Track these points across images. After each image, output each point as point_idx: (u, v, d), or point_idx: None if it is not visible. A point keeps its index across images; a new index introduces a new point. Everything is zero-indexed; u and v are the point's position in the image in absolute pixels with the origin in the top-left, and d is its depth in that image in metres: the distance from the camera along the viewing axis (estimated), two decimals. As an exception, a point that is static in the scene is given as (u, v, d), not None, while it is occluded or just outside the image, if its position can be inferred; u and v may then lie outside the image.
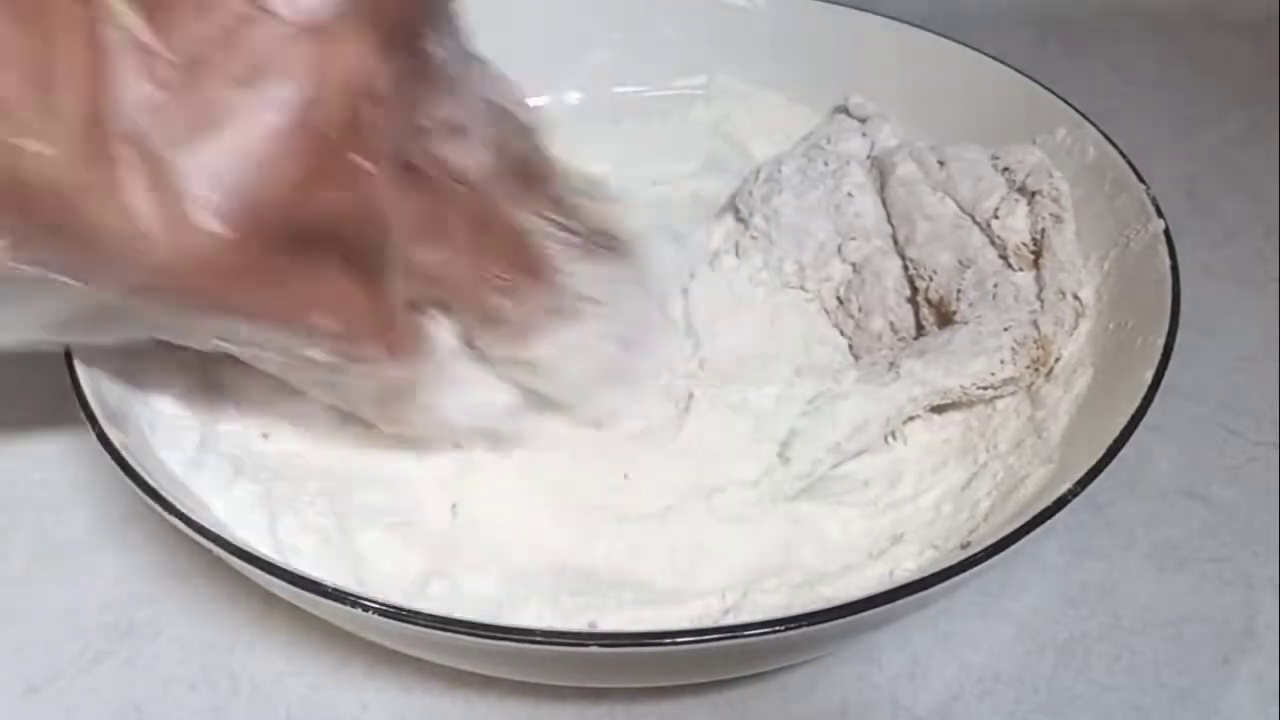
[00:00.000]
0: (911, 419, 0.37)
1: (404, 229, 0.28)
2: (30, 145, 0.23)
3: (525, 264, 0.32)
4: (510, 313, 0.32)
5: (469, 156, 0.30)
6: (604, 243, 0.34)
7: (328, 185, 0.26)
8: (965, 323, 0.37)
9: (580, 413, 0.36)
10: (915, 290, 0.40)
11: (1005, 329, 0.36)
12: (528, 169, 0.32)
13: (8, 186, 0.24)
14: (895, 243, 0.41)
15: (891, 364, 0.37)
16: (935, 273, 0.39)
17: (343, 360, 0.29)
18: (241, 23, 0.24)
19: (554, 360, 0.34)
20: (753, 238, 0.43)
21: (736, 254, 0.43)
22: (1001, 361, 0.36)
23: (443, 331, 0.33)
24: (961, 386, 0.36)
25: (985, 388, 0.36)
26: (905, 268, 0.40)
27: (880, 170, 0.43)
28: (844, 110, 0.47)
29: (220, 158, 0.24)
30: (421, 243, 0.30)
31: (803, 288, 0.42)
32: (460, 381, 0.33)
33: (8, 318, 0.28)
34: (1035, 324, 0.36)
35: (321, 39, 0.25)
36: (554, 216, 0.33)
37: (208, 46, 0.24)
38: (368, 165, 0.26)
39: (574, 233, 0.33)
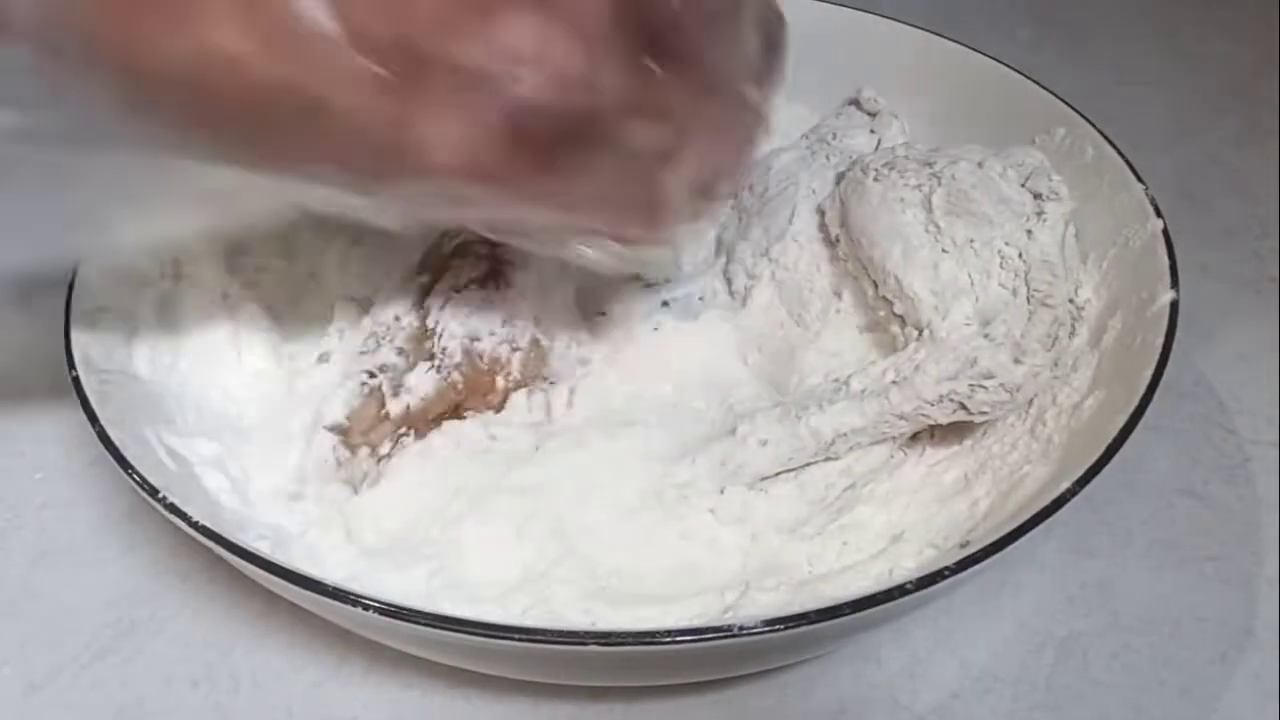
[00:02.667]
0: (921, 439, 0.37)
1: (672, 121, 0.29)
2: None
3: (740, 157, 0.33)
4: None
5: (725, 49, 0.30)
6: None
7: (608, 78, 0.26)
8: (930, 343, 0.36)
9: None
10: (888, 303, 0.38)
11: (954, 375, 0.34)
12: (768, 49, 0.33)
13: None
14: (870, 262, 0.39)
15: (870, 389, 0.36)
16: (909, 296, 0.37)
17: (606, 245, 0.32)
18: None
19: None
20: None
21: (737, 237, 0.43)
22: (963, 405, 0.35)
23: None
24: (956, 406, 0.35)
25: (975, 412, 0.35)
26: (875, 285, 0.39)
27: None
28: (855, 103, 0.47)
29: (500, 62, 0.25)
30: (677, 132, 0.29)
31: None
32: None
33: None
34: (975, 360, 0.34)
35: None
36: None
37: None
38: (650, 64, 0.27)
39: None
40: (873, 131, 0.46)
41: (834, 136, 0.45)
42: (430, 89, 0.25)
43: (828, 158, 0.44)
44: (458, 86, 0.25)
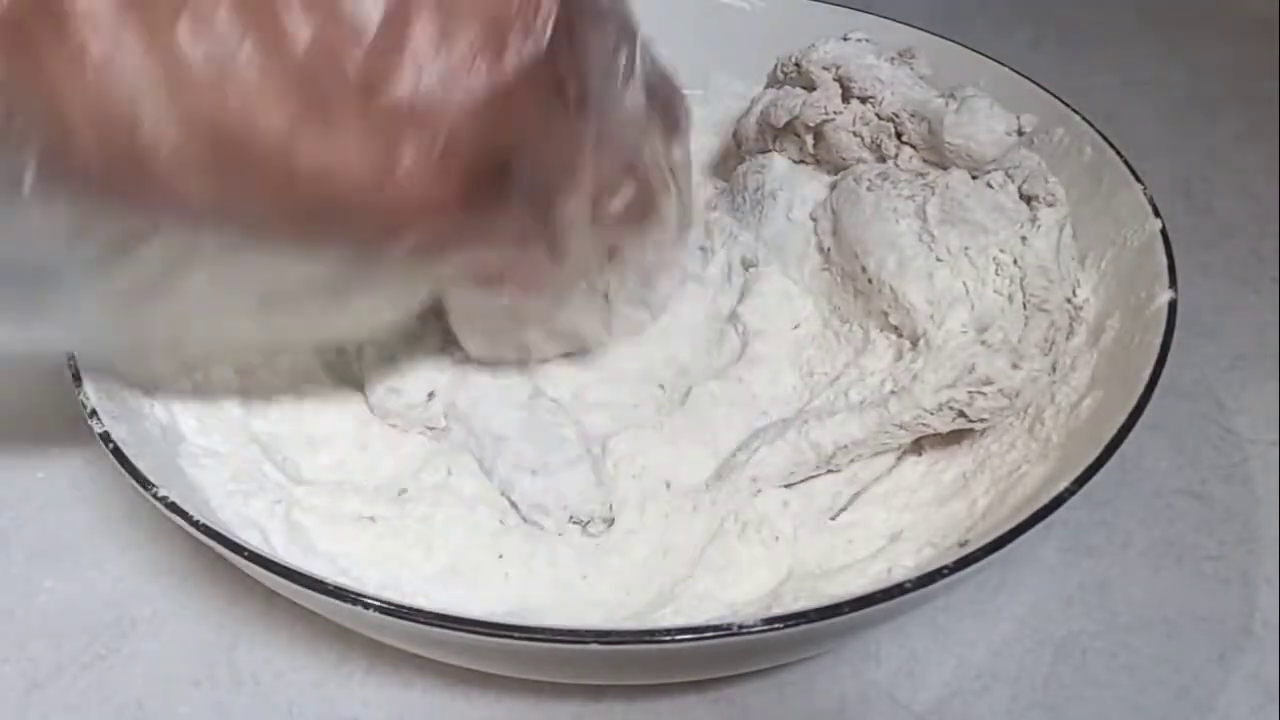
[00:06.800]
0: (920, 439, 0.37)
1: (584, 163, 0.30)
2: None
3: (647, 211, 0.34)
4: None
5: (628, 97, 0.31)
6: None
7: (528, 120, 0.27)
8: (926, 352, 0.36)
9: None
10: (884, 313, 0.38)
11: (952, 382, 0.35)
12: (666, 115, 0.34)
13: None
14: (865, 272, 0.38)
15: (875, 399, 0.36)
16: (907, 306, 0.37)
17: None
18: None
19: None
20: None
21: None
22: (962, 413, 0.35)
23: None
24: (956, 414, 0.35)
25: (974, 420, 0.35)
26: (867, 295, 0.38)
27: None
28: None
29: (436, 101, 0.25)
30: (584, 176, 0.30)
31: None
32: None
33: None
34: (973, 366, 0.34)
35: None
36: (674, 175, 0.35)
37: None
38: (568, 94, 0.28)
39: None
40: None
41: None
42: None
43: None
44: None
